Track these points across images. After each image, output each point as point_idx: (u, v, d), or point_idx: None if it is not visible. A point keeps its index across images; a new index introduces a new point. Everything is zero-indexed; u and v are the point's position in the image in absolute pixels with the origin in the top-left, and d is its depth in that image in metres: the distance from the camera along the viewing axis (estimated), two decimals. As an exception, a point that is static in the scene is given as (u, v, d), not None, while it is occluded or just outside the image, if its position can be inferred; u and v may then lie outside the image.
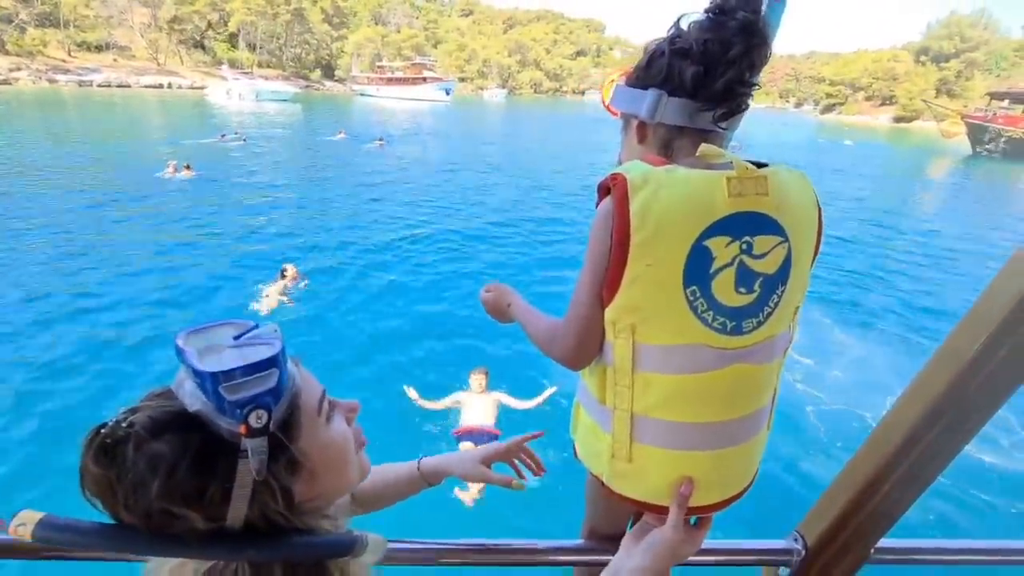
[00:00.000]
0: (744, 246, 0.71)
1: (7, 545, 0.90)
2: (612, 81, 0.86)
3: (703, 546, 0.94)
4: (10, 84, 43.21)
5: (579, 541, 1.08)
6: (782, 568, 1.06)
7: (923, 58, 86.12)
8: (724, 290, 0.72)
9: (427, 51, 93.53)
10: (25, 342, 5.40)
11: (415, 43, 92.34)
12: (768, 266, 0.73)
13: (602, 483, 0.88)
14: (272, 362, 0.50)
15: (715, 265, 0.70)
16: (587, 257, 0.77)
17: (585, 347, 0.81)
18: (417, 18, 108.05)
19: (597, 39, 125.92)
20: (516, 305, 1.01)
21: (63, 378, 4.87)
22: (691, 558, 0.90)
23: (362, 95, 68.30)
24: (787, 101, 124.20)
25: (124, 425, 0.48)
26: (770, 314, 0.75)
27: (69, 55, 53.51)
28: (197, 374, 0.48)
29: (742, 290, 0.72)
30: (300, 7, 72.50)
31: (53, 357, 5.16)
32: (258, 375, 0.49)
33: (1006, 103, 39.94)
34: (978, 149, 37.14)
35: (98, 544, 0.49)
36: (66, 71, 49.32)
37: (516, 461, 1.08)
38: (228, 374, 0.48)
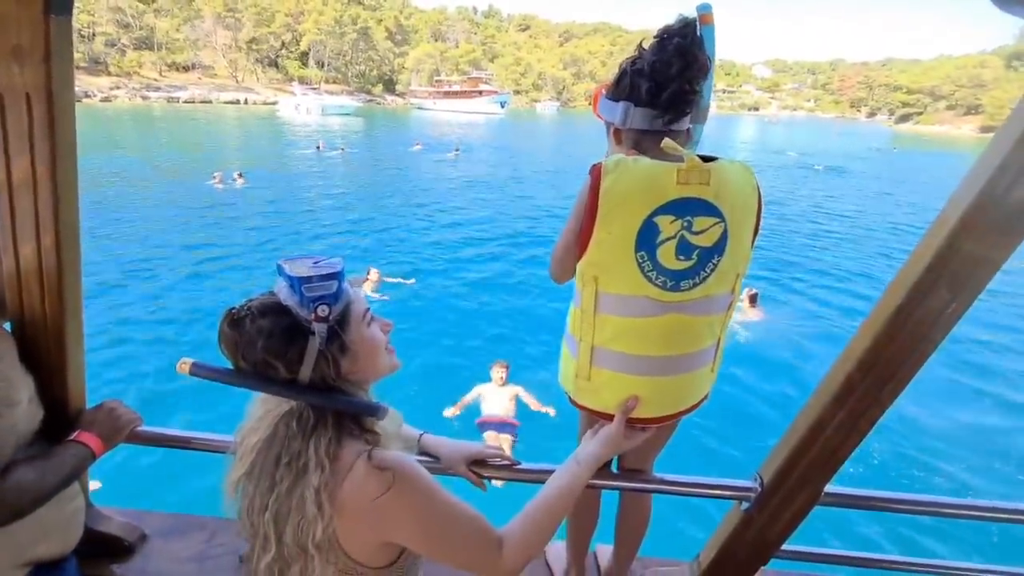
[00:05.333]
0: (686, 224, 0.89)
1: (153, 435, 1.21)
2: (598, 94, 1.06)
3: (680, 479, 1.19)
4: (110, 101, 48.00)
5: None
6: (743, 503, 1.19)
7: (1016, 63, 79.58)
8: (667, 256, 0.90)
9: (484, 65, 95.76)
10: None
11: (472, 58, 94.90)
12: (705, 240, 0.91)
13: (572, 400, 1.12)
14: (335, 276, 0.77)
15: (661, 237, 0.89)
16: (572, 211, 0.98)
17: (565, 261, 1.03)
18: (475, 33, 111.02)
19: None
20: None
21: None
22: (671, 487, 1.19)
23: (419, 108, 70.71)
24: (858, 111, 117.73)
25: (245, 308, 0.76)
26: (707, 277, 0.93)
27: (160, 75, 58.88)
28: (290, 279, 0.75)
29: (681, 258, 0.90)
30: (366, 26, 76.40)
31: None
32: (325, 282, 0.76)
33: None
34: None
35: (225, 379, 0.77)
36: (157, 88, 54.28)
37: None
38: (308, 279, 0.74)
